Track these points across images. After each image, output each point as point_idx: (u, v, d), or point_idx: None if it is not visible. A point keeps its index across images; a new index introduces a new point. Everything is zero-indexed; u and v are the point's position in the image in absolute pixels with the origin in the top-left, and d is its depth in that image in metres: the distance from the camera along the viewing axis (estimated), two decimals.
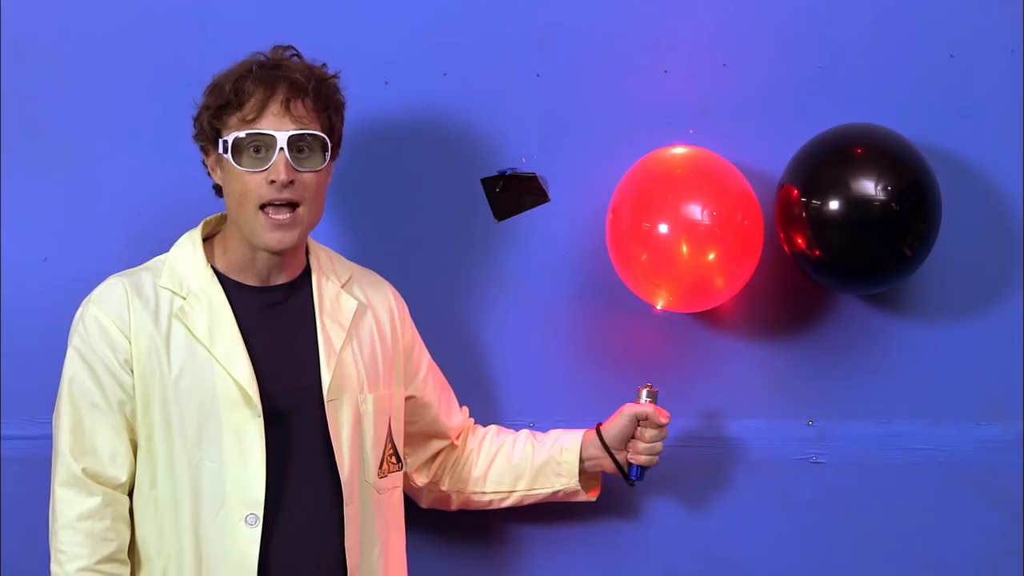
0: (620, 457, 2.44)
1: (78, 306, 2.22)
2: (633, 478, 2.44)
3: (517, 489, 2.47)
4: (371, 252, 2.54)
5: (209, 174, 2.24)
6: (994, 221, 2.64)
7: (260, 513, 2.13)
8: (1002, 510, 2.65)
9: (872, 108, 2.59)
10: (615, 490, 2.57)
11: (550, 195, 2.61)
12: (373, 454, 2.26)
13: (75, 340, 2.18)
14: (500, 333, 2.62)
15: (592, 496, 2.50)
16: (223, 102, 2.15)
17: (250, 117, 2.14)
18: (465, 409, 2.53)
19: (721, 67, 2.61)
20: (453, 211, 2.61)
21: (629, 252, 2.45)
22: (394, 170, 2.60)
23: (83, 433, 2.15)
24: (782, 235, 2.51)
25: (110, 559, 2.13)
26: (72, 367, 2.17)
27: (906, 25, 2.62)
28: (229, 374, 2.15)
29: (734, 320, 2.62)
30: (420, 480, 2.48)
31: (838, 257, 2.43)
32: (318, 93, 2.18)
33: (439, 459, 2.48)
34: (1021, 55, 2.62)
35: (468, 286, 2.60)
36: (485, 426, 2.54)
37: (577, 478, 2.45)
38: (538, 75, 2.61)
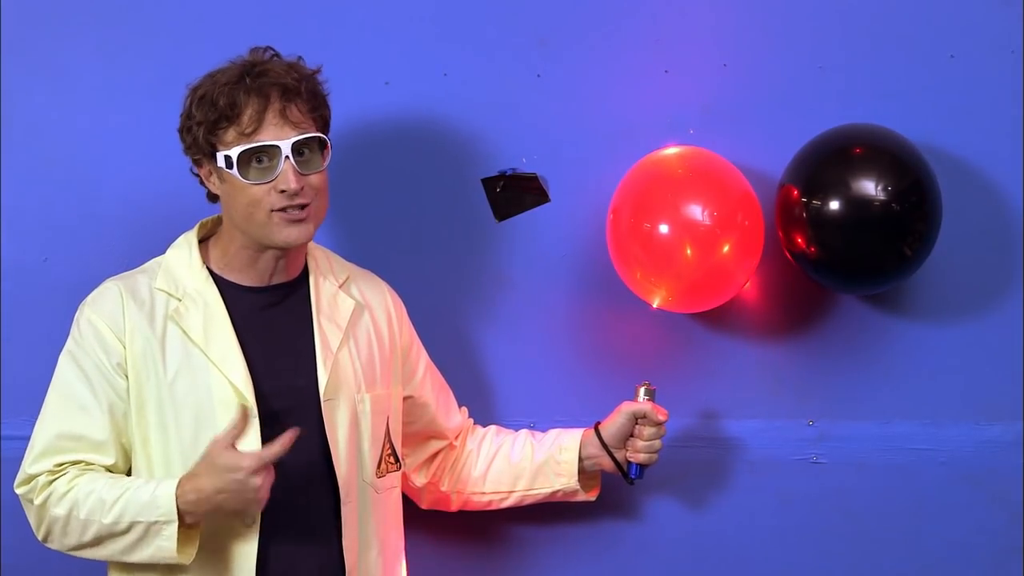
0: (619, 456, 2.44)
1: (78, 307, 2.22)
2: (632, 477, 2.44)
3: (516, 489, 2.47)
4: (371, 252, 2.54)
5: (202, 183, 2.23)
6: (994, 221, 2.64)
7: (257, 514, 2.13)
8: (1002, 510, 2.65)
9: (872, 108, 2.59)
10: (615, 489, 2.57)
11: (550, 195, 2.61)
12: (371, 454, 2.26)
13: (69, 344, 2.19)
14: (500, 333, 2.62)
15: (592, 496, 2.50)
16: (216, 116, 2.13)
17: (248, 130, 2.12)
18: (464, 410, 2.53)
19: (721, 67, 2.61)
20: (453, 211, 2.61)
21: (629, 252, 2.45)
22: (394, 170, 2.60)
23: (66, 435, 2.15)
24: (782, 235, 2.51)
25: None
26: (64, 370, 2.18)
27: (906, 25, 2.62)
28: (224, 376, 2.15)
29: (734, 320, 2.62)
30: (419, 480, 2.48)
31: (838, 257, 2.43)
32: (309, 93, 2.17)
33: (438, 460, 2.48)
34: (1021, 55, 2.62)
35: (468, 286, 2.60)
36: (484, 426, 2.54)
37: (576, 477, 2.45)
38: (538, 75, 2.61)
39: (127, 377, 2.16)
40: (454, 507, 2.51)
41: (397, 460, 2.33)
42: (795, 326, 2.64)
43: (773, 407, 2.62)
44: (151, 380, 2.16)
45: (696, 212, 2.40)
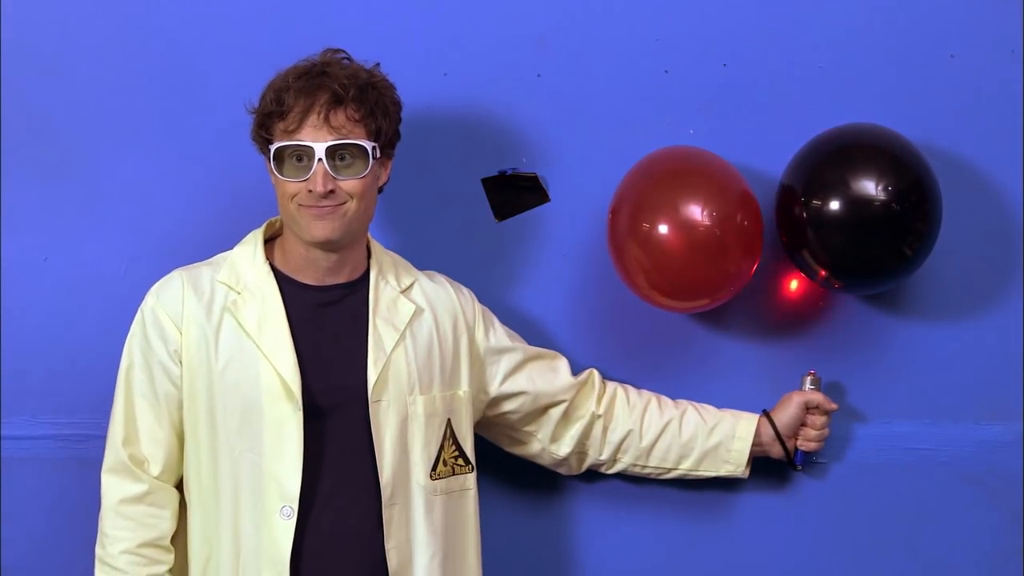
0: (789, 444, 2.51)
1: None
2: (799, 463, 2.53)
3: (680, 467, 2.51)
4: None
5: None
6: (994, 221, 2.64)
7: (295, 506, 2.16)
8: (1002, 510, 2.65)
9: (872, 108, 2.59)
10: (615, 490, 2.57)
11: (550, 195, 2.61)
12: (424, 456, 2.26)
13: (133, 330, 2.25)
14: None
15: (745, 473, 2.53)
16: (268, 111, 2.21)
17: (291, 128, 2.18)
18: (592, 371, 2.51)
19: (721, 67, 2.61)
20: (453, 211, 2.61)
21: (629, 252, 2.45)
22: (394, 170, 2.59)
23: (134, 422, 2.21)
24: (782, 235, 2.50)
25: (152, 544, 2.19)
26: (128, 357, 2.25)
27: (906, 25, 2.62)
28: (273, 367, 2.19)
29: (734, 320, 2.62)
30: (561, 451, 2.47)
31: (838, 257, 2.43)
32: (361, 101, 2.20)
33: (577, 428, 2.46)
34: (1021, 55, 2.62)
35: (467, 285, 2.59)
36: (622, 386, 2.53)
37: (744, 467, 2.50)
38: (538, 75, 2.61)
39: (181, 364, 2.21)
40: (610, 471, 2.52)
41: (467, 462, 2.33)
42: (795, 326, 2.64)
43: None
44: (203, 368, 2.20)
45: (696, 212, 2.40)
